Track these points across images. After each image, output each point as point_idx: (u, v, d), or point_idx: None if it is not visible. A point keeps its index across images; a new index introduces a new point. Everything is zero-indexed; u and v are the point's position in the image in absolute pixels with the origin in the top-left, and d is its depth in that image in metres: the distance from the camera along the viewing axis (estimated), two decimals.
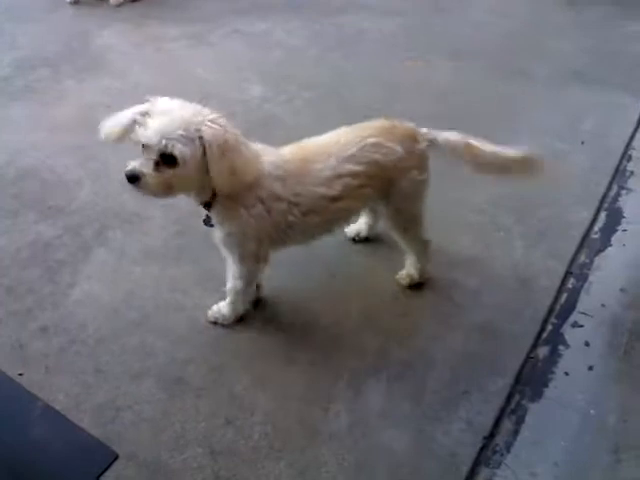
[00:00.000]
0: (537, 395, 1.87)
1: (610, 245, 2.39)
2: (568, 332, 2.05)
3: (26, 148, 2.71)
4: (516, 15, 4.03)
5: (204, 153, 1.61)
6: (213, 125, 1.62)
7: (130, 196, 2.48)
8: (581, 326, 2.07)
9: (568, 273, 2.26)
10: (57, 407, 1.74)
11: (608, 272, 2.27)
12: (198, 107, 1.66)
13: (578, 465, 1.69)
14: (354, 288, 2.18)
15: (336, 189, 1.80)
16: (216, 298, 2.09)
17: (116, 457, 1.64)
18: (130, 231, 2.34)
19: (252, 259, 1.87)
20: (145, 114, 1.62)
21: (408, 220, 2.05)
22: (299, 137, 1.88)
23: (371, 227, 2.34)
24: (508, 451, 1.72)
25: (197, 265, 2.22)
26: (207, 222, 1.85)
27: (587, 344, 2.01)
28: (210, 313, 2.02)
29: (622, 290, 2.19)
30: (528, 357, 1.97)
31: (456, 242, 2.36)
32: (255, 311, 2.07)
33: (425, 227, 2.08)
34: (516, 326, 2.06)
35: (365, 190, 1.86)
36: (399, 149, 1.87)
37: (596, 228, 2.47)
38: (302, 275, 2.24)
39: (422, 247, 2.13)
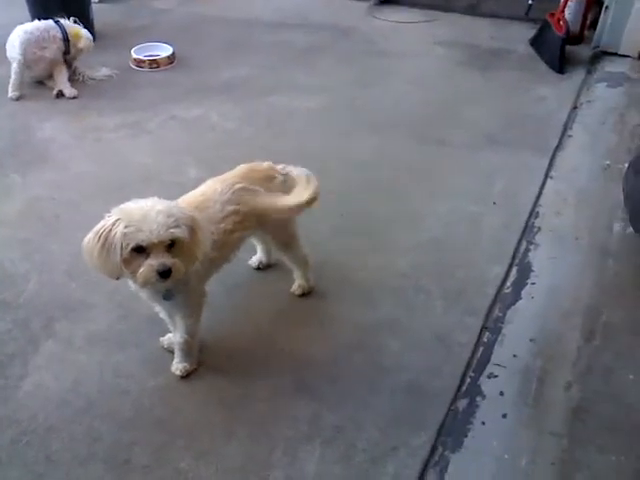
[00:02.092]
0: (458, 446, 2.05)
1: (521, 298, 2.62)
2: (484, 383, 2.26)
3: None
4: (433, 85, 4.37)
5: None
6: (184, 209, 1.96)
7: (75, 285, 2.63)
8: (496, 377, 2.28)
9: (484, 328, 2.48)
10: None
11: (519, 324, 2.50)
12: (160, 199, 1.93)
13: None
14: (286, 357, 2.36)
15: (230, 224, 2.17)
16: (160, 379, 2.25)
17: None
18: (76, 320, 2.48)
19: (201, 298, 2.22)
20: (127, 226, 1.82)
21: (286, 240, 2.47)
22: None
23: (268, 253, 2.73)
24: None
25: (140, 348, 2.36)
26: (168, 296, 2.08)
27: (502, 393, 2.22)
28: (178, 372, 2.26)
29: (532, 340, 2.42)
30: (449, 410, 2.17)
31: (380, 307, 2.57)
32: (194, 386, 2.23)
33: (302, 244, 2.50)
34: (438, 382, 2.26)
35: (247, 223, 2.25)
36: (260, 189, 2.26)
37: (508, 283, 2.71)
38: (234, 338, 2.45)
39: (304, 260, 2.55)
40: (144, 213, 1.85)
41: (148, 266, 1.85)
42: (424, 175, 3.41)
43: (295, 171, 2.40)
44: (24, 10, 4.72)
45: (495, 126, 3.88)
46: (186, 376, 2.25)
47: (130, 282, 2.03)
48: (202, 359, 2.31)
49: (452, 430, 2.10)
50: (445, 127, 3.87)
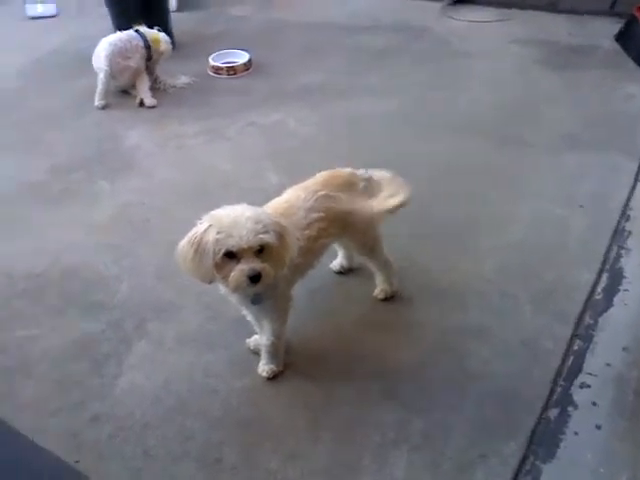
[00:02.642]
0: (550, 456, 2.00)
1: (612, 305, 2.53)
2: (576, 393, 2.19)
3: (68, 249, 2.96)
4: (510, 85, 4.28)
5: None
6: (272, 215, 2.00)
7: (165, 287, 2.71)
8: (588, 386, 2.21)
9: (574, 335, 2.41)
10: None
11: (611, 332, 2.41)
12: (248, 205, 1.97)
13: None
14: (371, 361, 2.36)
15: (314, 231, 2.19)
16: (247, 380, 2.29)
17: None
18: (166, 321, 2.56)
19: (288, 303, 2.25)
20: (218, 232, 1.87)
21: (369, 245, 2.46)
22: None
23: (350, 257, 2.73)
24: None
25: (228, 349, 2.42)
26: (257, 300, 2.11)
27: (594, 404, 2.15)
28: (264, 374, 2.30)
29: (625, 349, 2.33)
30: (540, 419, 2.11)
31: (466, 312, 2.53)
32: (280, 388, 2.27)
33: (385, 249, 2.49)
34: (527, 390, 2.21)
35: (330, 230, 2.25)
36: (342, 196, 2.26)
37: (599, 289, 2.62)
38: (318, 341, 2.47)
39: (388, 264, 2.55)
40: (234, 219, 1.89)
41: (239, 271, 1.89)
42: (504, 177, 3.34)
43: (377, 174, 2.41)
44: (108, 21, 4.91)
45: (578, 126, 3.76)
46: (272, 378, 2.30)
47: (221, 286, 2.08)
48: (287, 361, 2.34)
49: (543, 440, 2.05)
50: (524, 128, 3.77)
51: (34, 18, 5.82)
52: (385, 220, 2.44)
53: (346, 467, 2.00)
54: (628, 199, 3.11)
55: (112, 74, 4.25)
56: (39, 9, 5.88)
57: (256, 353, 2.36)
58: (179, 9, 5.71)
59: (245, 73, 4.65)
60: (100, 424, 2.16)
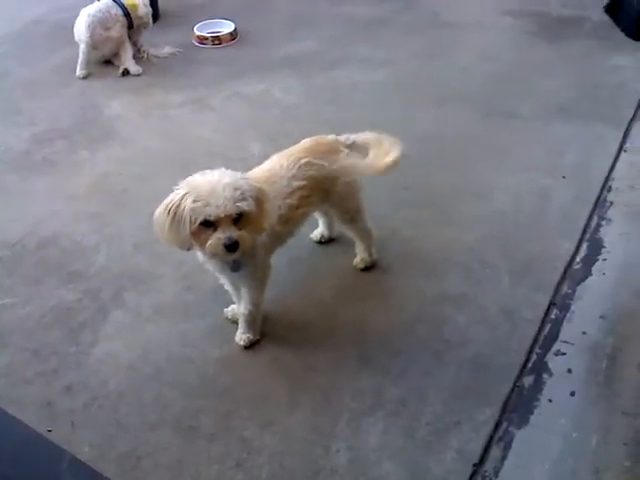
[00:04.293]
0: (523, 422, 2.01)
1: (591, 275, 2.53)
2: (551, 360, 2.20)
3: (46, 218, 2.93)
4: (501, 57, 4.22)
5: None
6: (251, 181, 1.97)
7: (143, 257, 2.69)
8: (564, 354, 2.22)
9: (552, 304, 2.41)
10: (83, 458, 1.91)
11: (589, 301, 2.42)
12: (227, 170, 1.96)
13: None
14: (349, 330, 2.35)
15: (296, 200, 2.17)
16: (224, 349, 2.29)
17: None
18: (144, 290, 2.54)
19: (267, 271, 2.23)
20: (195, 200, 1.85)
21: (351, 214, 2.44)
22: None
23: (331, 227, 2.71)
24: (496, 476, 1.87)
25: (205, 319, 2.41)
26: (236, 267, 2.09)
27: (569, 371, 2.16)
28: (242, 343, 2.29)
29: (602, 317, 2.33)
30: (515, 386, 2.12)
31: (446, 280, 2.53)
32: (257, 357, 2.27)
33: (367, 217, 2.47)
34: (503, 358, 2.21)
35: (312, 198, 2.25)
36: (325, 163, 2.25)
37: (578, 259, 2.62)
38: (296, 311, 2.46)
39: (368, 234, 2.53)
40: (211, 187, 1.87)
41: (216, 239, 1.88)
42: (490, 147, 3.32)
43: (361, 137, 2.39)
44: None
45: (566, 97, 3.72)
46: (249, 347, 2.29)
47: (198, 253, 2.07)
48: (265, 330, 2.33)
49: (518, 406, 2.06)
50: (513, 99, 3.74)
51: None
52: (366, 188, 2.43)
53: (322, 433, 2.00)
54: (611, 169, 3.09)
55: (94, 45, 4.19)
56: None
57: (234, 322, 2.35)
58: None
59: (231, 43, 4.58)
60: (74, 393, 2.15)
